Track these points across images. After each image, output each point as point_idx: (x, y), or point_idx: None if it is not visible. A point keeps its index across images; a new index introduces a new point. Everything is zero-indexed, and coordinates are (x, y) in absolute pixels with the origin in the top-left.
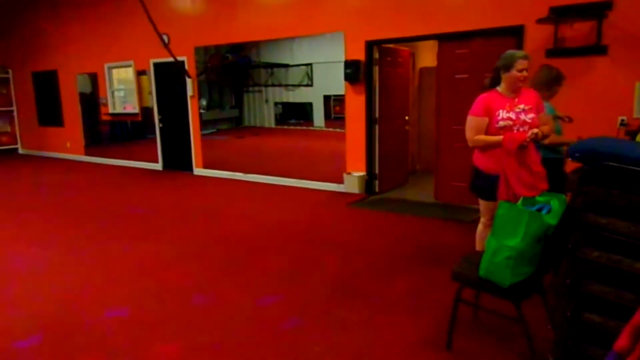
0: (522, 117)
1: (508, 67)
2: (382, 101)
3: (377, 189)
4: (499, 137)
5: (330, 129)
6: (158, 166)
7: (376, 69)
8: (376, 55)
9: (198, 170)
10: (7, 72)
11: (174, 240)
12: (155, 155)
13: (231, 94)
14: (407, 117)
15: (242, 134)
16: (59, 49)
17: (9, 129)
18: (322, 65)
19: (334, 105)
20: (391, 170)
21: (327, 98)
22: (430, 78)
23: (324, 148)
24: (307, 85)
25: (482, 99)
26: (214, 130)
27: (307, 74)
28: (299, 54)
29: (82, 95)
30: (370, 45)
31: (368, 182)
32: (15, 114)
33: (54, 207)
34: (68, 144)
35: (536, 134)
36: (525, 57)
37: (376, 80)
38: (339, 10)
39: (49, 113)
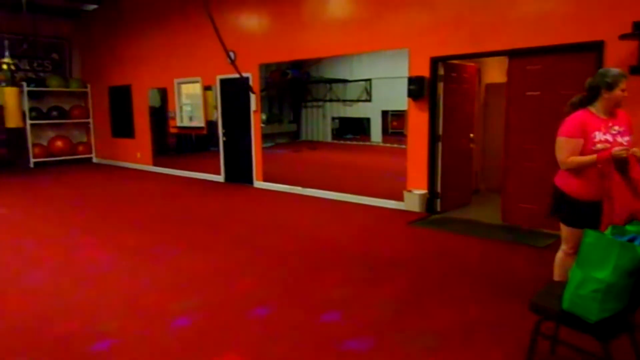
0: (619, 139)
1: (612, 85)
2: (446, 118)
3: (439, 208)
4: (593, 156)
5: (388, 145)
6: (220, 178)
7: (440, 85)
8: (441, 71)
9: (258, 183)
10: (86, 87)
11: (236, 252)
12: (217, 167)
13: (290, 108)
14: (471, 135)
15: (299, 148)
16: (133, 65)
17: (85, 139)
18: (381, 80)
19: (391, 120)
20: (454, 189)
21: (385, 113)
22: (497, 94)
23: (382, 163)
24: (365, 101)
25: (577, 119)
26: (272, 144)
27: (366, 89)
28: (358, 70)
29: (152, 109)
30: (435, 62)
31: (429, 201)
32: (91, 125)
33: (124, 214)
34: (138, 155)
35: (634, 152)
36: (625, 76)
37: (440, 96)
38: (404, 28)
39: (122, 125)
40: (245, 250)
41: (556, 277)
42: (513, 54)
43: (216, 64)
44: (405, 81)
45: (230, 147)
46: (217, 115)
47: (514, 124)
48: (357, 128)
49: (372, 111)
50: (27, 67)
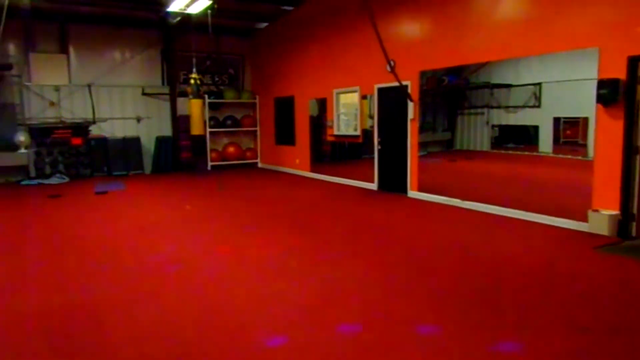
0: None
1: None
2: None
3: (634, 233)
4: None
5: (560, 155)
6: (373, 186)
7: None
8: None
9: (412, 193)
10: (255, 98)
11: (398, 263)
12: (370, 175)
13: (444, 116)
14: None
15: (454, 157)
16: (296, 77)
17: (252, 146)
18: (553, 84)
19: (564, 128)
20: None
21: (556, 120)
22: None
23: (553, 177)
24: (533, 107)
25: None
26: (425, 152)
27: (534, 94)
28: (525, 73)
29: (310, 118)
30: (634, 62)
31: (622, 224)
32: (258, 133)
33: (286, 216)
34: (297, 161)
35: None
36: None
37: (639, 101)
38: (593, 24)
39: (284, 133)
40: (407, 262)
41: None
42: None
43: (374, 73)
44: (584, 85)
45: (385, 156)
46: (374, 124)
47: None
48: (520, 137)
49: (541, 118)
50: (209, 82)
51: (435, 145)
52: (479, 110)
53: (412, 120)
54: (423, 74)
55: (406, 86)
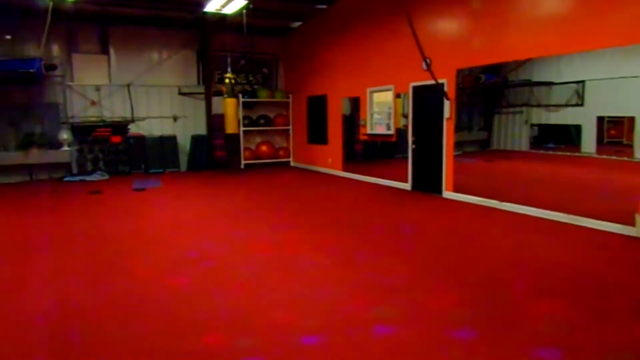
0: None
1: None
2: None
3: None
4: None
5: (604, 156)
6: (407, 186)
7: None
8: None
9: (447, 194)
10: (288, 97)
11: (433, 264)
12: (403, 175)
13: (480, 115)
14: None
15: (491, 157)
16: (329, 76)
17: (285, 145)
18: (597, 82)
19: (608, 128)
20: None
21: (599, 120)
22: None
23: (597, 178)
24: (575, 105)
25: None
26: (460, 152)
27: (577, 92)
28: (567, 71)
29: (342, 117)
30: None
31: None
32: (290, 132)
33: (318, 215)
34: (330, 160)
35: None
36: None
37: None
38: None
39: (317, 132)
40: (442, 263)
41: None
42: None
43: (409, 71)
44: (630, 83)
45: (419, 155)
46: (408, 122)
47: None
48: (561, 136)
49: (584, 117)
50: (244, 81)
51: (470, 145)
52: (518, 108)
53: (448, 119)
54: (459, 72)
55: (442, 84)
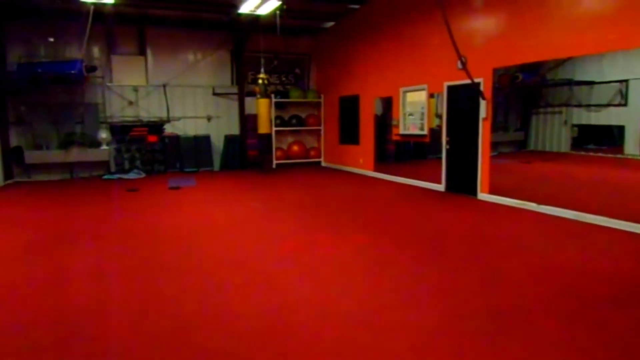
0: None
1: None
2: None
3: None
4: None
5: None
6: (440, 187)
7: None
8: None
9: (482, 195)
10: (320, 97)
11: (470, 270)
12: (437, 176)
13: (516, 115)
14: None
15: (528, 159)
16: (362, 76)
17: (316, 145)
18: None
19: None
20: None
21: None
22: None
23: None
24: (618, 105)
25: None
26: (496, 153)
27: (620, 92)
28: (610, 70)
29: (374, 117)
30: None
31: None
32: (322, 132)
33: (351, 215)
34: (361, 160)
35: None
36: None
37: None
38: None
39: (348, 132)
40: (479, 268)
41: None
42: None
43: (443, 71)
44: None
45: (453, 156)
46: (442, 123)
47: None
48: (602, 137)
49: (627, 118)
50: (276, 81)
51: (506, 146)
52: (556, 109)
53: (484, 119)
54: (496, 71)
55: (478, 84)
